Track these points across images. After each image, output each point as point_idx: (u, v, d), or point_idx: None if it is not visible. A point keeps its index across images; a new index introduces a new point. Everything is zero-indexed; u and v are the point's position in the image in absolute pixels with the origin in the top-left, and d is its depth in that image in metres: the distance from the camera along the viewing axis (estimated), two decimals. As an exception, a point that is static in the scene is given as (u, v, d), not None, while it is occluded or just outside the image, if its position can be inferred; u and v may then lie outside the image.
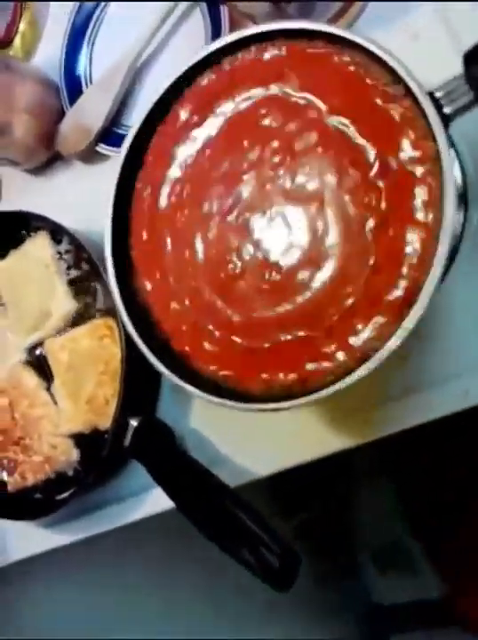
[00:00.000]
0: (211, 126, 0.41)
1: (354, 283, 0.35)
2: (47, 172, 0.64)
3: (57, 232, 0.57)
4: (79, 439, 0.56)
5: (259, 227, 0.39)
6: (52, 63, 0.63)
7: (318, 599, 1.03)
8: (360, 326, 0.35)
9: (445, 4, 0.45)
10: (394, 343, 0.32)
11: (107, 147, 0.59)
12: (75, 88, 0.62)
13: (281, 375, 0.37)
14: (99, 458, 0.52)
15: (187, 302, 0.40)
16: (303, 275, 0.37)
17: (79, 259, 0.57)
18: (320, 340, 0.36)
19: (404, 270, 0.34)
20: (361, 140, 0.37)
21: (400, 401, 0.45)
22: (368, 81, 0.37)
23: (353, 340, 0.35)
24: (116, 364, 0.53)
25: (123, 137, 0.60)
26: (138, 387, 0.53)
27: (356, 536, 1.21)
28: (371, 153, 0.36)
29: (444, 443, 0.91)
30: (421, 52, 0.46)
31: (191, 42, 0.56)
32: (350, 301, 0.35)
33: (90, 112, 0.59)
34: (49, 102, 0.61)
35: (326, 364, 0.36)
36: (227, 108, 0.41)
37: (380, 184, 0.35)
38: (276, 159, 0.39)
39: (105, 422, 0.54)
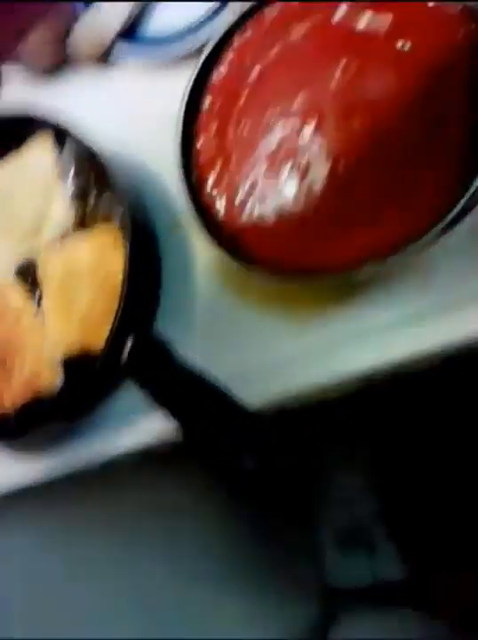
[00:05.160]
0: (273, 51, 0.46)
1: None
2: (56, 79, 0.60)
3: (61, 135, 0.53)
4: (66, 363, 0.51)
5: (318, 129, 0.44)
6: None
7: (275, 579, 0.98)
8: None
9: None
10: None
11: (122, 55, 0.55)
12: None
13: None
14: (90, 379, 0.47)
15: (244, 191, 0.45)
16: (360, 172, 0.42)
17: (83, 166, 0.52)
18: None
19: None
20: None
21: (414, 326, 0.42)
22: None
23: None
24: (115, 278, 0.48)
25: (139, 46, 0.56)
26: (137, 303, 0.48)
27: (320, 514, 1.17)
28: None
29: (422, 424, 0.88)
30: None
31: None
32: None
33: (107, 15, 0.55)
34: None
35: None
36: (290, 34, 0.45)
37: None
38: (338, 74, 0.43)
39: (97, 344, 0.49)
